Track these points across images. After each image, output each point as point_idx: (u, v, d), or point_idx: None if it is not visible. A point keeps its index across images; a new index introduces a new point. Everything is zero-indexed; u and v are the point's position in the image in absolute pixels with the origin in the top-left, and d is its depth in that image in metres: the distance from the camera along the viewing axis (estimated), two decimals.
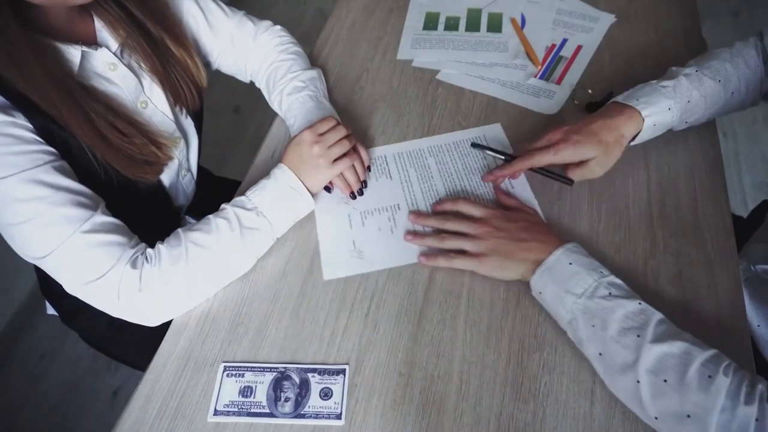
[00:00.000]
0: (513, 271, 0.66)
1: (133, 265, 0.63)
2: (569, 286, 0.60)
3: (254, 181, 0.82)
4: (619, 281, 0.61)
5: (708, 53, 0.78)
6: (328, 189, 0.78)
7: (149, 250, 0.65)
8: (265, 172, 0.84)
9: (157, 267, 0.64)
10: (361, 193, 0.79)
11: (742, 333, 0.63)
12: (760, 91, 0.76)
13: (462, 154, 0.83)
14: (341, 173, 0.76)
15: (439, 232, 0.72)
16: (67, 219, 0.60)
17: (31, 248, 0.62)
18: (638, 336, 0.55)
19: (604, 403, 0.59)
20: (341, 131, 0.74)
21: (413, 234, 0.73)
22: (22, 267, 0.65)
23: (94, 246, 0.62)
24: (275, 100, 0.88)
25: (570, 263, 0.62)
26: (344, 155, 0.75)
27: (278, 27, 0.93)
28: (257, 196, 0.70)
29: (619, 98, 0.75)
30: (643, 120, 0.71)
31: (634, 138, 0.74)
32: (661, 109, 0.72)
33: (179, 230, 0.68)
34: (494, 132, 0.85)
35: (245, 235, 0.68)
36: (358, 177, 0.78)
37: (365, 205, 0.78)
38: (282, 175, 0.72)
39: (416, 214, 0.75)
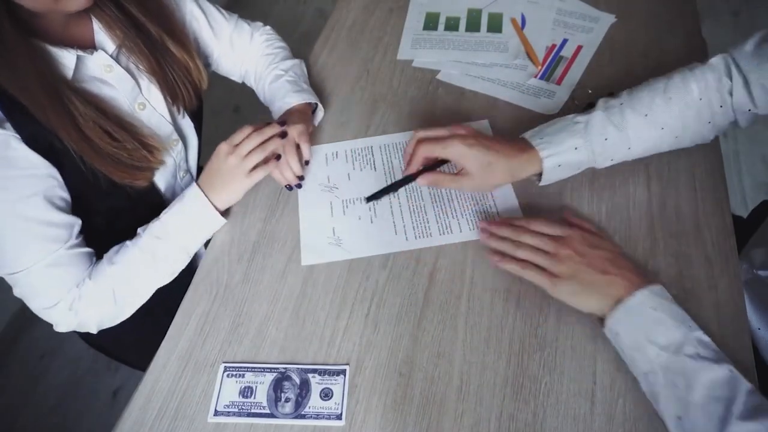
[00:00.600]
0: (588, 303, 0.61)
1: (70, 306, 0.69)
2: (652, 335, 0.56)
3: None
4: (707, 339, 0.56)
5: (648, 81, 0.71)
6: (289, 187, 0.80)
7: (82, 288, 0.69)
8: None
9: (87, 306, 0.69)
10: (299, 186, 0.79)
11: (742, 333, 0.63)
12: (710, 121, 0.69)
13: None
14: (278, 166, 0.77)
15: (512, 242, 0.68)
16: (35, 251, 0.65)
17: None
18: (725, 407, 0.51)
19: (605, 404, 0.59)
20: (256, 138, 0.72)
21: (489, 233, 0.70)
22: None
23: (50, 279, 0.67)
24: (261, 93, 0.91)
25: (654, 308, 0.57)
26: (268, 159, 0.74)
27: (268, 27, 0.95)
28: (169, 221, 0.72)
29: (527, 134, 0.71)
30: (542, 159, 0.68)
31: (540, 176, 0.71)
32: (564, 149, 0.68)
33: (104, 259, 0.71)
34: (481, 128, 0.86)
35: (159, 263, 0.71)
36: (293, 173, 0.78)
37: (347, 194, 0.79)
38: (192, 197, 0.72)
39: (487, 221, 0.72)
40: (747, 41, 0.67)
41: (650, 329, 0.56)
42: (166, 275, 0.73)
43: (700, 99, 0.67)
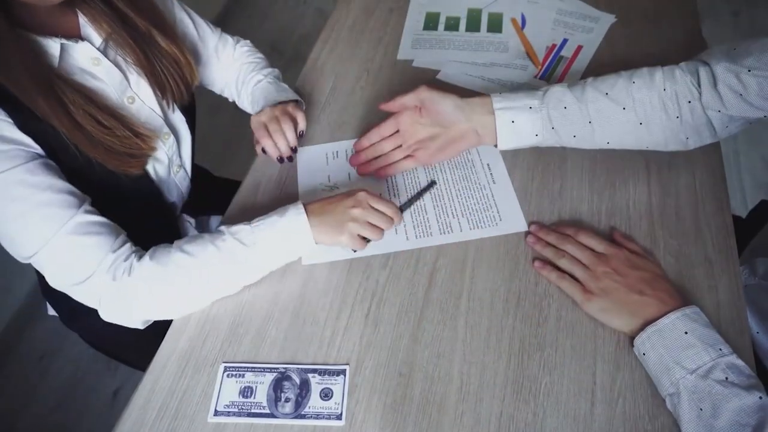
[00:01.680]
0: (619, 321, 0.62)
1: (114, 276, 0.63)
2: (680, 357, 0.55)
3: (254, 183, 0.82)
4: (740, 363, 0.55)
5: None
6: (264, 151, 0.81)
7: (134, 262, 0.64)
8: (265, 174, 0.84)
9: (138, 282, 0.63)
10: (290, 159, 0.81)
11: (742, 333, 0.63)
12: (679, 116, 0.68)
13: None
14: (271, 135, 0.79)
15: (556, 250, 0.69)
16: (50, 219, 0.61)
17: (17, 247, 0.63)
18: None
19: (605, 404, 0.59)
20: (387, 221, 0.68)
21: (536, 238, 0.71)
22: (22, 267, 0.65)
23: (76, 249, 0.62)
24: (244, 97, 0.92)
25: (686, 332, 0.57)
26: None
27: (247, 41, 0.98)
28: (261, 231, 0.66)
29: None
30: (494, 108, 0.69)
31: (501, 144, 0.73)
32: (518, 106, 0.69)
33: (173, 246, 0.66)
34: None
35: (234, 271, 0.66)
36: (287, 144, 0.79)
37: None
38: (295, 217, 0.66)
39: (538, 225, 0.72)
40: (719, 47, 0.67)
41: (679, 352, 0.56)
42: (233, 284, 0.68)
43: (664, 89, 0.67)
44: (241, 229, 0.66)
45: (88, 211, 0.64)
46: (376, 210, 0.68)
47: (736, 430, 0.51)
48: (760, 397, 0.52)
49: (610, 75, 0.71)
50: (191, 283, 0.65)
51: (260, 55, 0.97)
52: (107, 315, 0.66)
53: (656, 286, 0.63)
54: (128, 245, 0.66)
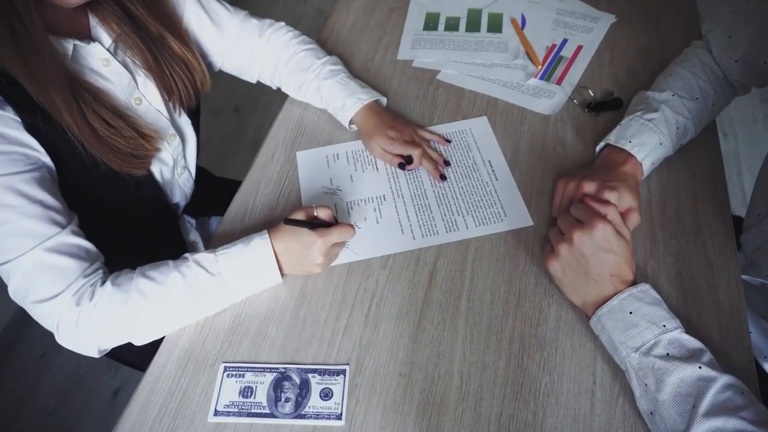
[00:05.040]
0: (572, 297, 0.64)
1: (78, 301, 0.61)
2: (625, 337, 0.57)
3: (254, 183, 0.82)
4: (684, 337, 0.56)
5: (670, 70, 0.81)
6: (401, 165, 0.81)
7: (97, 287, 0.63)
8: (265, 174, 0.84)
9: (97, 309, 0.62)
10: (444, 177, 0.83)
11: (742, 333, 0.63)
12: (729, 91, 0.80)
13: (446, 147, 0.85)
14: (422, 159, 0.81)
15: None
16: (32, 233, 0.60)
17: None
18: (693, 406, 0.52)
19: (605, 404, 0.59)
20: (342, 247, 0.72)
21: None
22: None
23: (49, 268, 0.61)
24: (310, 87, 0.87)
25: (630, 312, 0.58)
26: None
27: (283, 23, 0.94)
28: (226, 261, 0.66)
29: (611, 140, 0.73)
30: (641, 164, 0.71)
31: None
32: (653, 147, 0.72)
33: (136, 271, 0.65)
34: (480, 125, 0.87)
35: (197, 300, 0.65)
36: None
37: (351, 195, 0.79)
38: (262, 248, 0.67)
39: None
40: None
41: (623, 333, 0.58)
42: (194, 314, 0.68)
43: (717, 68, 0.80)
44: (205, 258, 0.66)
45: (73, 232, 0.63)
46: (335, 248, 0.69)
47: (679, 401, 0.53)
48: (700, 367, 0.53)
49: (680, 78, 0.78)
50: (151, 311, 0.64)
51: (310, 39, 0.93)
52: (64, 340, 0.64)
53: (615, 272, 0.60)
54: (101, 271, 0.65)
